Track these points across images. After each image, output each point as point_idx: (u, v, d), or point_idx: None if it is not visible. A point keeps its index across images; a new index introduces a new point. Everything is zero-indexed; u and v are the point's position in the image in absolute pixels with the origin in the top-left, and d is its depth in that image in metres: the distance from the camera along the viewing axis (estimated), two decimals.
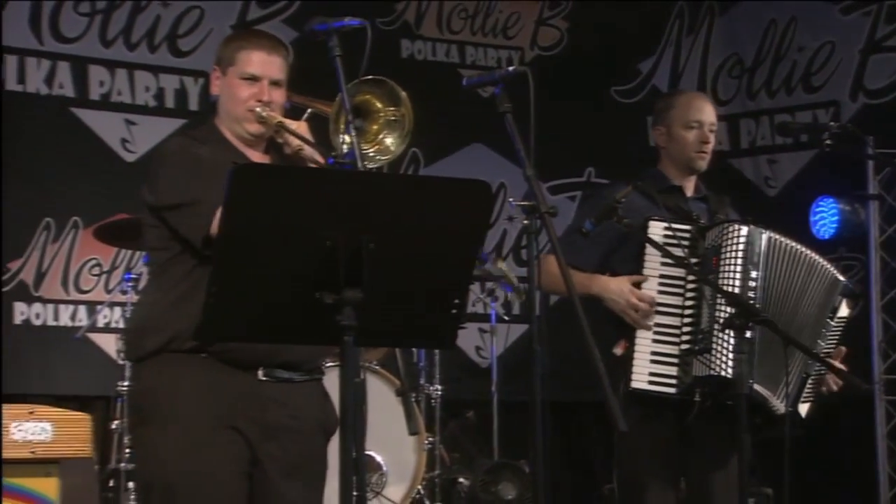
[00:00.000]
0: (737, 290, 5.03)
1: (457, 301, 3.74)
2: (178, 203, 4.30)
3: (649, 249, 5.16)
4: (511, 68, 4.35)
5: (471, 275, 4.01)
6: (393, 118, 4.59)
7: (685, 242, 5.16)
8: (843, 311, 5.36)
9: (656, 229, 5.12)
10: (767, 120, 9.43)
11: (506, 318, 7.97)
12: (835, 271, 5.38)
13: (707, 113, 5.48)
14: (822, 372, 5.16)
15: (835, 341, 5.31)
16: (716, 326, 5.03)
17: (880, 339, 8.78)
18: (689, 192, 5.44)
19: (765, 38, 9.51)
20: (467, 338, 8.29)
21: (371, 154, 4.53)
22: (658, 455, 5.22)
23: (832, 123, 8.64)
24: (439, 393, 7.22)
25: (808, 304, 5.27)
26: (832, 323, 5.30)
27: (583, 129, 8.70)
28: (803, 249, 5.33)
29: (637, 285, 5.14)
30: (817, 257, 5.35)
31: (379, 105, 4.60)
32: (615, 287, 5.16)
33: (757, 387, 5.01)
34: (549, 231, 4.14)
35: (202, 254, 4.21)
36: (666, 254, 5.10)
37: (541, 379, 4.12)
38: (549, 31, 9.43)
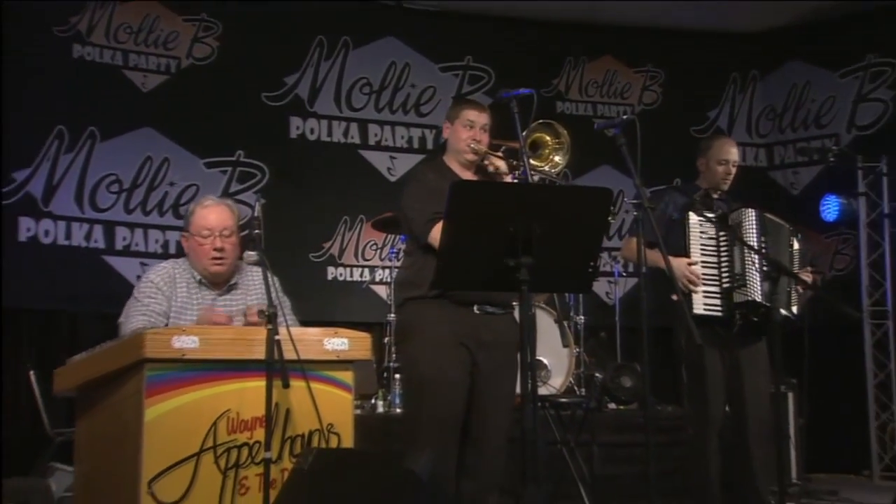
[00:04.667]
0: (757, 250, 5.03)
1: (592, 263, 3.75)
2: (408, 216, 4.46)
3: (692, 229, 5.14)
4: (625, 117, 4.34)
5: (600, 247, 3.90)
6: (558, 146, 4.64)
7: (713, 224, 5.13)
8: (796, 245, 5.28)
9: (694, 218, 5.12)
10: (792, 146, 9.20)
11: (623, 273, 7.88)
12: (786, 224, 5.32)
13: (733, 154, 5.39)
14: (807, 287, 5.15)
15: (799, 263, 5.27)
16: (747, 270, 5.00)
17: (867, 283, 8.60)
18: (715, 195, 5.38)
19: (789, 94, 9.25)
20: (600, 286, 8.18)
21: (547, 169, 4.60)
22: (714, 354, 5.15)
23: (834, 147, 8.59)
24: (582, 320, 7.18)
25: (784, 246, 5.23)
26: (793, 252, 5.25)
27: (672, 154, 8.58)
28: (784, 224, 5.32)
29: (689, 265, 5.10)
30: (778, 220, 5.31)
31: (548, 138, 4.66)
32: (676, 265, 5.02)
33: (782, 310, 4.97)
34: (651, 217, 4.15)
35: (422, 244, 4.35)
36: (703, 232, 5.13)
37: (647, 313, 4.18)
38: (650, 94, 9.28)
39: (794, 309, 5.22)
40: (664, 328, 5.19)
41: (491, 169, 4.54)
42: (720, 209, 5.28)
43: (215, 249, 4.14)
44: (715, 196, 5.39)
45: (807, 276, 5.24)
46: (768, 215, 5.24)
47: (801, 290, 5.22)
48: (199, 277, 4.20)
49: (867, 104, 8.97)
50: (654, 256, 4.83)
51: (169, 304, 4.11)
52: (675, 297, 5.06)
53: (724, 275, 5.12)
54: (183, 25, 8.02)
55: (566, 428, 6.17)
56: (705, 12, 8.91)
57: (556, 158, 4.63)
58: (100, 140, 7.64)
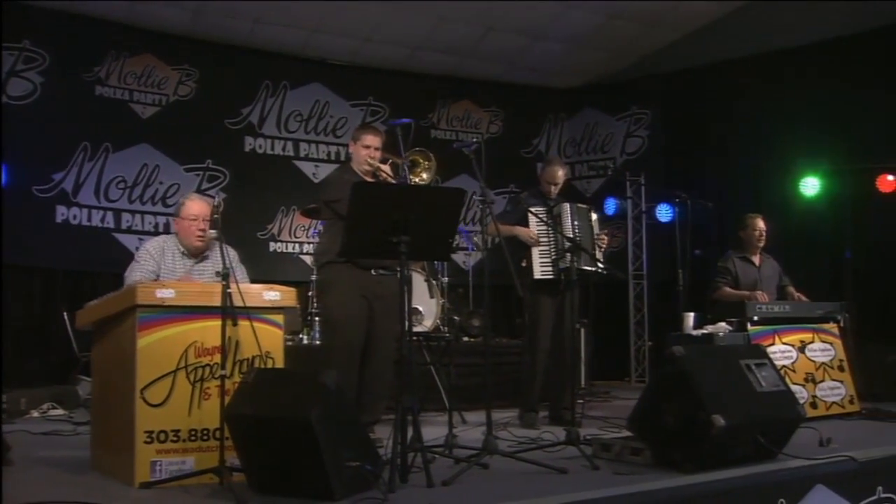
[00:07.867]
0: (569, 231, 5.10)
1: (451, 240, 3.76)
2: (334, 199, 4.38)
3: (531, 218, 5.20)
4: (475, 141, 4.30)
5: (456, 229, 3.82)
6: (427, 166, 4.68)
7: (544, 214, 5.18)
8: (594, 217, 5.35)
9: (532, 210, 5.15)
10: (586, 164, 9.38)
11: (474, 249, 7.80)
12: (587, 207, 5.38)
13: (559, 176, 5.37)
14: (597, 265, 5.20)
15: (598, 229, 5.33)
16: (565, 247, 5.01)
17: (631, 256, 8.83)
18: (550, 195, 5.41)
19: (584, 129, 9.41)
20: (458, 256, 8.15)
21: (418, 182, 4.62)
22: (547, 305, 5.23)
23: (612, 166, 8.79)
24: (446, 280, 7.00)
25: (587, 224, 5.28)
26: (592, 223, 5.31)
27: (508, 168, 8.59)
28: (586, 207, 5.37)
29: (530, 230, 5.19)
30: (583, 206, 5.34)
31: (421, 160, 4.69)
32: (523, 230, 5.19)
33: (585, 266, 5.06)
34: (491, 211, 4.12)
35: (343, 219, 4.31)
36: (538, 220, 5.18)
37: (488, 274, 4.19)
38: (494, 126, 9.25)
39: (600, 264, 5.28)
40: (501, 286, 5.23)
41: (382, 176, 4.54)
42: (552, 203, 5.32)
43: (199, 230, 4.13)
44: (551, 196, 5.42)
45: (604, 238, 5.34)
46: (578, 205, 5.32)
47: (603, 248, 5.32)
48: (182, 249, 4.17)
49: (632, 138, 9.19)
50: (509, 229, 5.04)
51: (158, 266, 4.08)
52: (523, 263, 5.17)
53: (552, 250, 5.19)
54: (171, 73, 7.85)
55: (433, 354, 6.19)
56: (530, 73, 9.01)
57: (425, 175, 4.69)
58: (112, 152, 7.50)
